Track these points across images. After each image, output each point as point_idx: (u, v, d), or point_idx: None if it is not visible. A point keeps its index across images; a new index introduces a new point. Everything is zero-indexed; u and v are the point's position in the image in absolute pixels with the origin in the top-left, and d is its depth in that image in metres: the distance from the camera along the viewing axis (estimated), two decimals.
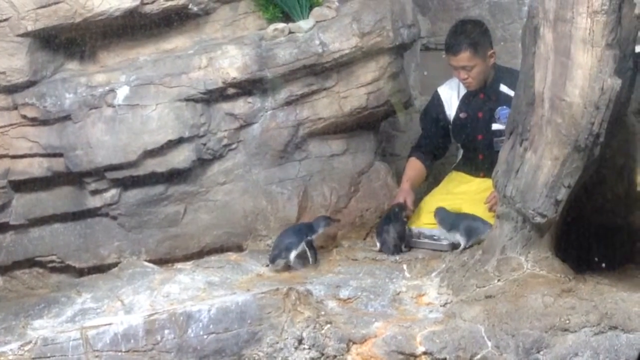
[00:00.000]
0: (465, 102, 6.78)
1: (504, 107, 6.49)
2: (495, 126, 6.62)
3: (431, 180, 7.25)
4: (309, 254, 6.04)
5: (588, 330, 4.85)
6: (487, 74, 6.64)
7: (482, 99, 6.68)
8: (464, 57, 6.55)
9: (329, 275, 5.87)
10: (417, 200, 6.81)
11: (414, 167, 6.86)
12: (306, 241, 6.03)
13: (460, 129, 6.80)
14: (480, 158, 6.74)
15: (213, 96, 6.34)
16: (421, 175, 6.92)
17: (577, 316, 4.89)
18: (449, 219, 6.22)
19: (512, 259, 5.36)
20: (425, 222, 6.55)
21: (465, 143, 6.88)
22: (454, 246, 6.10)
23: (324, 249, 6.34)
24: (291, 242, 6.02)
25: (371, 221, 6.67)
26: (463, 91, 6.81)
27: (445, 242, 6.21)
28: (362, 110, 6.62)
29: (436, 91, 7.00)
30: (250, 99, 6.44)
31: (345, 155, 6.74)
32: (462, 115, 6.80)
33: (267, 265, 6.06)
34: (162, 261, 6.32)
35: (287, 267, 6.01)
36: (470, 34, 6.57)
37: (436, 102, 6.94)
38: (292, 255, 5.99)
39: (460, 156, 7.14)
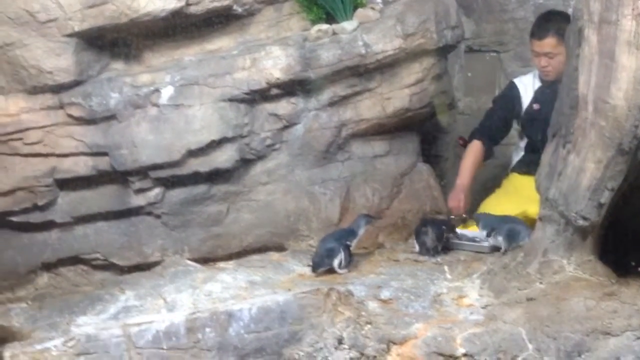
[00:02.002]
0: (540, 94, 6.78)
1: None
2: None
3: (489, 184, 7.27)
4: (342, 257, 5.96)
5: (630, 334, 4.78)
6: None
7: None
8: (549, 42, 6.64)
9: (370, 276, 5.86)
10: (474, 203, 6.88)
11: (475, 152, 6.99)
12: (343, 245, 5.98)
13: (534, 121, 6.78)
14: None
15: (256, 97, 6.36)
16: (480, 160, 7.06)
17: (619, 320, 4.83)
18: (490, 222, 6.21)
19: (554, 261, 5.32)
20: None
21: (538, 136, 6.82)
22: (495, 249, 6.08)
23: (366, 249, 6.34)
24: (332, 248, 5.98)
25: (413, 222, 6.63)
26: (537, 84, 6.86)
27: (486, 244, 6.20)
28: (405, 111, 6.62)
29: (512, 81, 7.14)
30: (293, 100, 6.46)
31: (388, 157, 6.74)
32: (535, 106, 6.83)
33: (309, 265, 6.07)
34: (205, 260, 6.34)
35: (330, 271, 5.99)
36: (558, 22, 6.59)
37: (513, 90, 7.04)
38: (335, 262, 5.94)
39: (517, 157, 7.11)
